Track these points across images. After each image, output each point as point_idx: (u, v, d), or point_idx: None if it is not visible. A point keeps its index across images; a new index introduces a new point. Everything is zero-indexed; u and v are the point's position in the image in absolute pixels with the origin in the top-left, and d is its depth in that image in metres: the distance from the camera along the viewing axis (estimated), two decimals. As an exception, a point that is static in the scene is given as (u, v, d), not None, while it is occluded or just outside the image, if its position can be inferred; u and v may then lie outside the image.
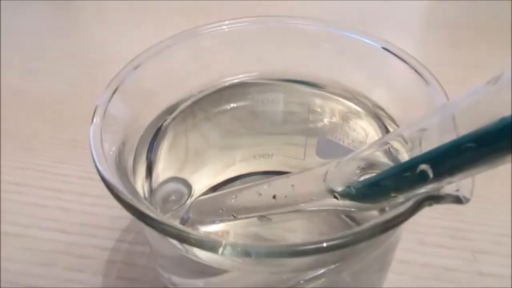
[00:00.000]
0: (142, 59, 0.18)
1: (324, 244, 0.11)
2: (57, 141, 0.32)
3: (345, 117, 0.21)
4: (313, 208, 0.17)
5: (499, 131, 0.11)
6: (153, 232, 0.15)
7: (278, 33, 0.20)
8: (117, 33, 0.45)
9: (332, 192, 0.16)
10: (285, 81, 0.21)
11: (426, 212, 0.27)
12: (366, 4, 0.49)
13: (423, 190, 0.13)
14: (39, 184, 0.29)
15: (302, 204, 0.17)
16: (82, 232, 0.26)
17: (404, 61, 0.18)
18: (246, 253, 0.11)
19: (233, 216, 0.19)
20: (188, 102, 0.20)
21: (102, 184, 0.28)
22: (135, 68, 0.18)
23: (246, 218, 0.18)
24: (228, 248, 0.11)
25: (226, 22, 0.19)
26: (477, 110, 0.12)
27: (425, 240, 0.26)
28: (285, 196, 0.17)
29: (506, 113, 0.11)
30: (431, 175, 0.13)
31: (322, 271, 0.15)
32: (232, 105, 0.21)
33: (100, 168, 0.14)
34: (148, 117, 0.18)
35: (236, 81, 0.20)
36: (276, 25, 0.20)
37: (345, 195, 0.15)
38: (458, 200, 0.13)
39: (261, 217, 0.18)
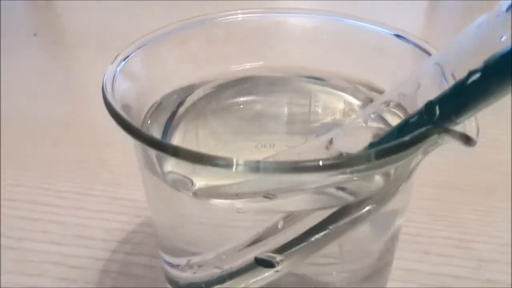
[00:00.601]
0: (163, 32, 0.19)
1: (330, 161, 0.12)
2: (54, 159, 0.32)
3: (347, 111, 0.21)
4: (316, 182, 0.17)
5: (501, 59, 0.11)
6: (163, 188, 0.15)
7: (284, 24, 0.21)
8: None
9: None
10: (290, 75, 0.22)
11: (427, 224, 0.27)
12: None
13: None
14: (35, 200, 0.28)
15: None
16: (77, 244, 0.25)
17: (418, 46, 0.18)
18: (256, 167, 0.12)
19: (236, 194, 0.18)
20: (200, 90, 0.20)
21: (97, 199, 0.28)
22: (158, 36, 0.18)
23: (249, 197, 0.18)
24: (240, 163, 0.11)
25: (239, 11, 0.20)
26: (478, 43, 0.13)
27: (429, 250, 0.25)
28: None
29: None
30: (437, 112, 0.13)
31: (325, 232, 0.15)
32: (238, 99, 0.22)
33: (108, 97, 0.13)
34: (159, 90, 0.18)
35: (242, 68, 0.21)
36: (281, 17, 0.21)
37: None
38: (466, 138, 0.13)
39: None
